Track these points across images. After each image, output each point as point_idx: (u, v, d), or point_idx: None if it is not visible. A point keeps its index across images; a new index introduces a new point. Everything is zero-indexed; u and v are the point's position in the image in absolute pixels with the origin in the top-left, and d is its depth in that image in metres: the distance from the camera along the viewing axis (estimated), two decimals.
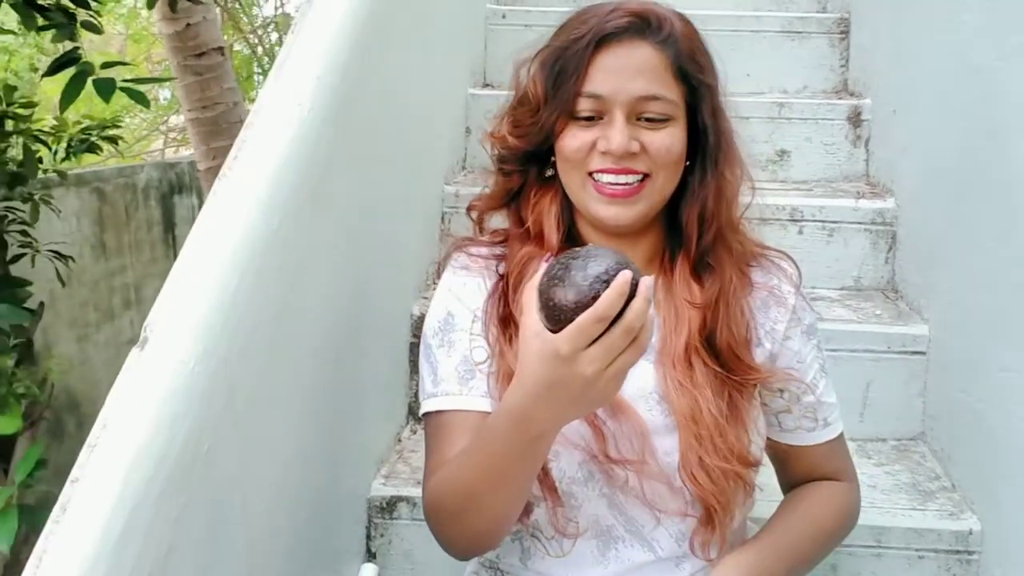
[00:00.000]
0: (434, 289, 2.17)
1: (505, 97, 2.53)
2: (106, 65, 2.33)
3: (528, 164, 1.30)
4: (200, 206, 5.80)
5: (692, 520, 1.22)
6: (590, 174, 1.21)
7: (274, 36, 8.53)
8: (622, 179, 1.19)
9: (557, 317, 0.91)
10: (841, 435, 1.35)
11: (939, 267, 1.93)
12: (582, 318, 0.89)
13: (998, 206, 1.63)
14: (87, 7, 2.23)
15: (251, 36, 8.19)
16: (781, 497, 1.39)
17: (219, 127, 5.20)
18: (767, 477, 1.37)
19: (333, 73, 1.42)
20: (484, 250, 1.35)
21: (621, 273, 0.89)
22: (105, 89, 2.17)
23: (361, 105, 1.58)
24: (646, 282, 0.92)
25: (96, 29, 2.34)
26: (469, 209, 1.40)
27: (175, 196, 6.28)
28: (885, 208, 2.20)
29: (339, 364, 1.53)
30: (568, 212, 1.30)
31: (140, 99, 2.46)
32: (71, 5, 2.15)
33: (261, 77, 8.31)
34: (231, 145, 4.24)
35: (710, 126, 1.24)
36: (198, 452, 1.01)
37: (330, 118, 1.40)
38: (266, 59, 8.15)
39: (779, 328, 1.30)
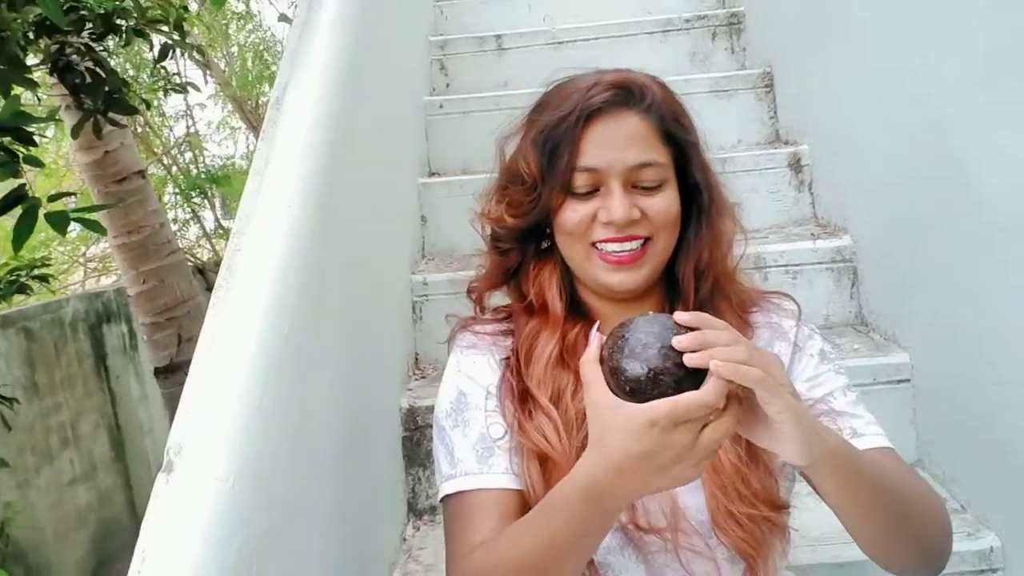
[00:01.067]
0: (416, 380, 2.17)
1: (459, 183, 2.56)
2: (53, 198, 2.27)
3: (526, 240, 1.30)
4: (131, 332, 5.64)
5: None
6: (593, 244, 1.21)
7: (188, 155, 8.50)
8: (627, 246, 1.20)
9: (635, 388, 0.91)
10: (892, 449, 1.23)
11: (910, 295, 1.98)
12: (688, 402, 0.89)
13: (964, 228, 1.69)
14: (31, 143, 2.18)
15: (164, 157, 8.13)
16: (820, 542, 1.38)
17: (147, 250, 5.12)
18: (803, 520, 1.36)
19: (314, 174, 1.41)
20: (489, 327, 1.33)
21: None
22: (58, 222, 2.11)
23: (338, 203, 1.57)
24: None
25: (39, 163, 2.29)
26: (469, 291, 1.38)
27: (104, 326, 6.10)
28: (843, 246, 2.27)
29: (347, 466, 1.49)
30: (568, 281, 1.30)
31: (96, 228, 2.40)
32: (13, 142, 2.10)
33: (178, 196, 8.24)
34: (161, 267, 4.18)
35: (700, 181, 1.26)
36: (250, 575, 0.95)
37: (317, 218, 1.38)
38: (181, 178, 8.08)
39: (783, 363, 1.29)
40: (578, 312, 1.29)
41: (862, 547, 1.12)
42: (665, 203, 1.21)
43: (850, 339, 2.17)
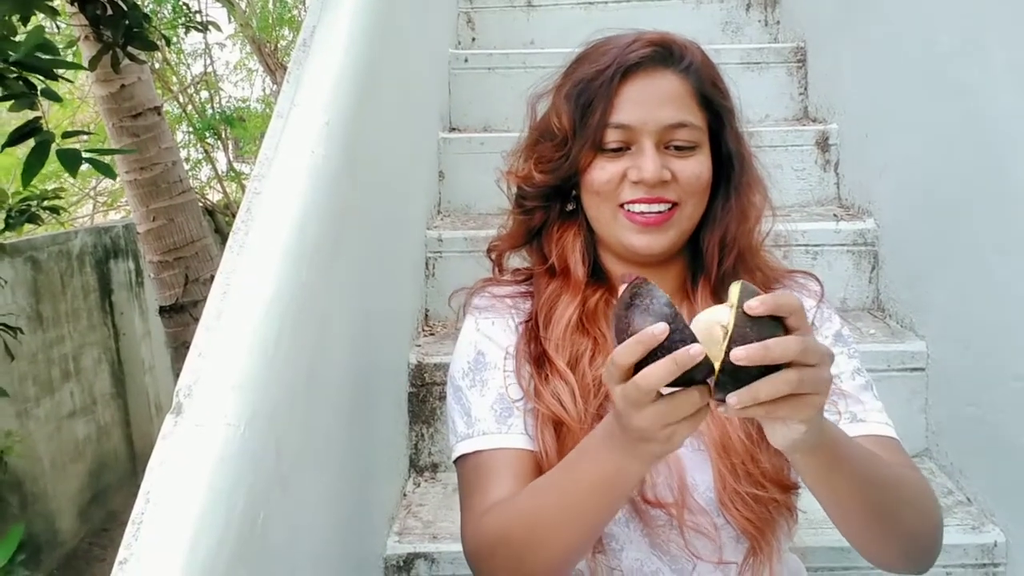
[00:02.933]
0: (425, 337, 2.15)
1: (480, 139, 2.52)
2: (67, 135, 2.23)
3: (551, 200, 1.27)
4: (137, 270, 5.64)
5: (735, 560, 1.18)
6: (621, 205, 1.19)
7: (204, 94, 8.42)
8: (655, 208, 1.17)
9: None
10: (894, 440, 1.20)
11: (930, 283, 1.95)
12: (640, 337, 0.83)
13: (995, 220, 1.66)
14: (52, 77, 2.13)
15: (180, 95, 8.06)
16: (824, 524, 1.36)
17: (158, 188, 5.08)
18: (808, 501, 1.34)
19: (340, 120, 1.38)
20: (507, 289, 1.31)
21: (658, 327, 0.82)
22: (70, 160, 2.07)
23: (361, 151, 1.54)
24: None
25: (57, 98, 2.24)
26: (490, 250, 1.36)
27: (111, 261, 6.09)
28: (866, 229, 2.23)
29: (354, 418, 1.47)
30: (592, 246, 1.28)
31: (106, 171, 2.36)
32: (32, 74, 2.05)
33: (191, 136, 8.17)
34: (171, 206, 4.15)
35: (733, 151, 1.23)
36: (255, 524, 0.94)
37: (341, 165, 1.36)
38: (196, 117, 8.01)
39: None
40: (599, 278, 1.27)
41: (843, 535, 1.10)
42: (697, 168, 1.18)
43: (866, 324, 2.15)
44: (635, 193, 1.17)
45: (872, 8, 2.30)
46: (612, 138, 1.18)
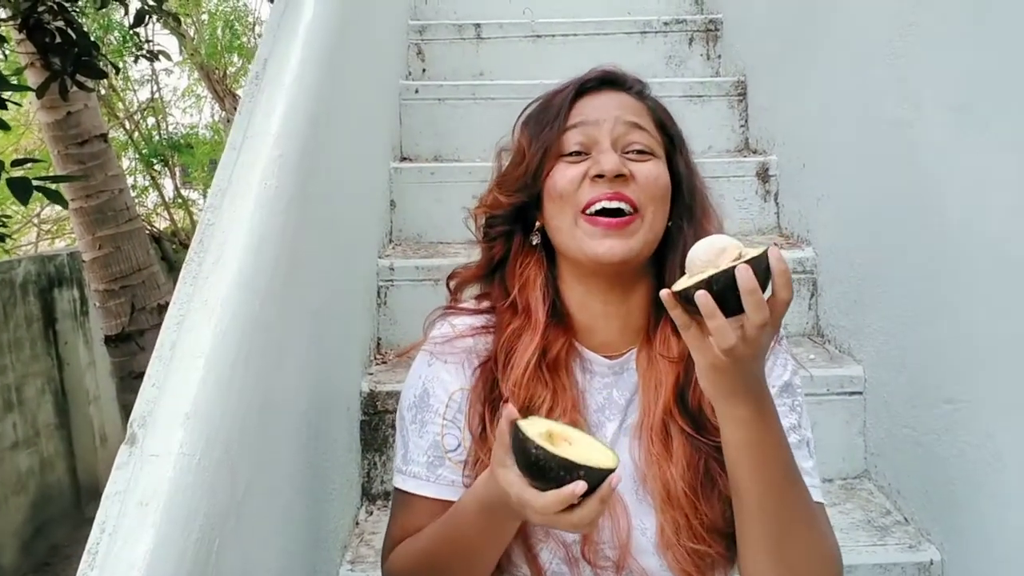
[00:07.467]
0: (377, 365, 2.16)
1: (431, 169, 2.56)
2: (17, 163, 2.21)
3: (514, 224, 1.28)
4: (82, 298, 5.55)
5: None
6: (583, 211, 1.18)
7: (151, 121, 8.35)
8: (614, 204, 1.17)
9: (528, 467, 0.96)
10: (819, 504, 1.19)
11: (867, 310, 2.02)
12: (554, 498, 0.93)
13: (926, 247, 1.74)
14: (1, 105, 2.12)
15: (127, 122, 7.98)
16: None
17: (104, 216, 5.04)
18: None
19: (293, 151, 1.41)
20: (468, 319, 1.29)
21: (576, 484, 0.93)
22: (20, 189, 2.05)
23: (314, 182, 1.56)
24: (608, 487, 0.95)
25: (6, 126, 2.23)
26: (450, 278, 1.35)
27: (55, 290, 5.99)
28: (805, 257, 2.31)
29: (307, 446, 1.48)
30: (553, 284, 1.27)
31: (57, 199, 2.35)
32: None
33: (138, 163, 8.09)
34: (118, 234, 4.11)
35: (685, 177, 1.25)
36: (211, 552, 0.95)
37: (293, 196, 1.38)
38: (142, 144, 7.94)
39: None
40: (559, 320, 1.25)
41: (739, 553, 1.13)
42: (655, 170, 1.19)
43: (806, 349, 2.21)
44: (595, 190, 1.17)
45: (809, 45, 2.39)
46: (571, 140, 1.20)
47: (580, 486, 0.92)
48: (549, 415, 1.18)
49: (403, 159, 2.81)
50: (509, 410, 0.98)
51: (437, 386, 1.24)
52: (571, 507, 0.94)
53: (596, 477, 0.93)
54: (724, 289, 0.93)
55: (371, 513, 1.93)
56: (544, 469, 0.93)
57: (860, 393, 2.01)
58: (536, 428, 0.96)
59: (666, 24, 3.28)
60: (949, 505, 1.70)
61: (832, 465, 2.01)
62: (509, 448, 0.97)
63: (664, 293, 0.99)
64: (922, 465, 1.78)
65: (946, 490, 1.70)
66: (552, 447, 0.93)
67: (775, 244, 2.43)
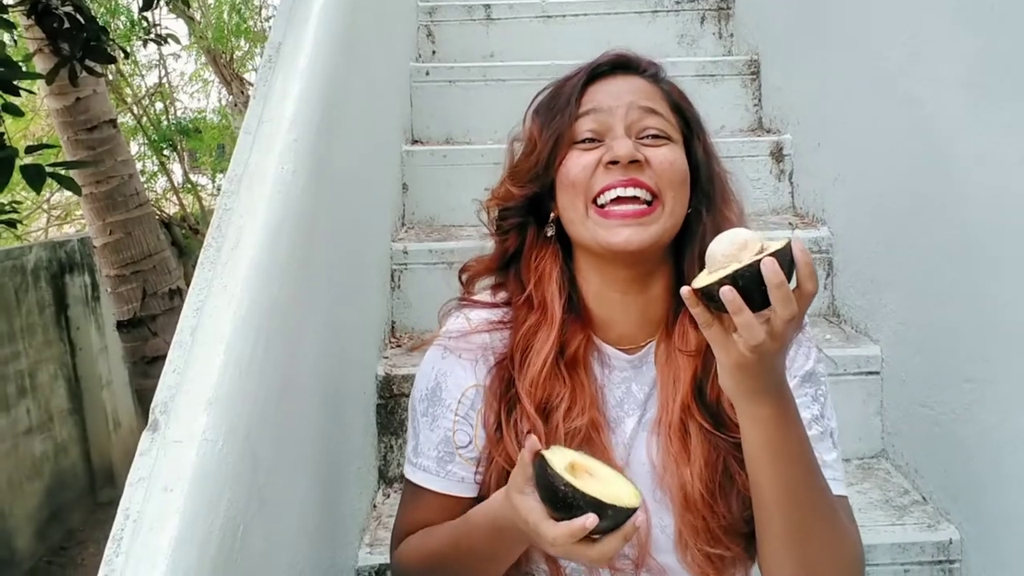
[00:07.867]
0: (392, 349, 2.16)
1: (442, 152, 2.55)
2: (30, 149, 2.20)
3: (528, 215, 1.24)
4: (93, 284, 5.57)
5: None
6: (595, 202, 1.15)
7: (159, 106, 8.35)
8: (630, 191, 1.13)
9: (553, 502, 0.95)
10: (842, 498, 1.18)
11: (884, 289, 2.01)
12: (566, 530, 0.92)
13: (943, 225, 1.72)
14: (14, 92, 2.11)
15: (135, 107, 7.97)
16: None
17: (114, 201, 5.03)
18: None
19: (307, 135, 1.40)
20: (484, 313, 1.26)
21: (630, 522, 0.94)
22: (34, 177, 2.05)
23: (329, 165, 1.55)
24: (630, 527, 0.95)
25: (18, 112, 2.22)
26: (462, 271, 1.32)
27: (66, 276, 6.01)
28: (820, 237, 2.29)
29: (325, 430, 1.49)
30: (569, 278, 1.23)
31: (71, 186, 2.34)
32: None
33: (147, 148, 8.09)
34: (128, 219, 4.11)
35: (703, 163, 1.21)
36: (235, 537, 0.96)
37: (311, 180, 1.37)
38: (151, 129, 7.94)
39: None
40: (576, 315, 1.22)
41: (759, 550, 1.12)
42: (671, 155, 1.15)
43: (822, 329, 2.20)
44: (609, 177, 1.13)
45: (822, 22, 2.37)
46: (584, 127, 1.16)
47: (591, 519, 0.91)
48: (568, 413, 1.16)
49: (414, 142, 2.81)
50: (532, 441, 0.97)
51: (450, 381, 1.22)
52: (591, 541, 0.93)
53: (622, 516, 0.93)
54: (749, 284, 0.91)
55: (388, 496, 1.93)
56: (571, 507, 0.92)
57: (877, 373, 2.01)
58: (561, 459, 0.95)
59: (677, 2, 3.25)
60: (968, 484, 1.69)
61: (849, 445, 2.00)
62: (530, 478, 0.96)
63: (685, 291, 0.96)
64: (940, 444, 1.78)
65: (965, 469, 1.70)
66: (578, 482, 0.93)
67: (790, 224, 2.42)
